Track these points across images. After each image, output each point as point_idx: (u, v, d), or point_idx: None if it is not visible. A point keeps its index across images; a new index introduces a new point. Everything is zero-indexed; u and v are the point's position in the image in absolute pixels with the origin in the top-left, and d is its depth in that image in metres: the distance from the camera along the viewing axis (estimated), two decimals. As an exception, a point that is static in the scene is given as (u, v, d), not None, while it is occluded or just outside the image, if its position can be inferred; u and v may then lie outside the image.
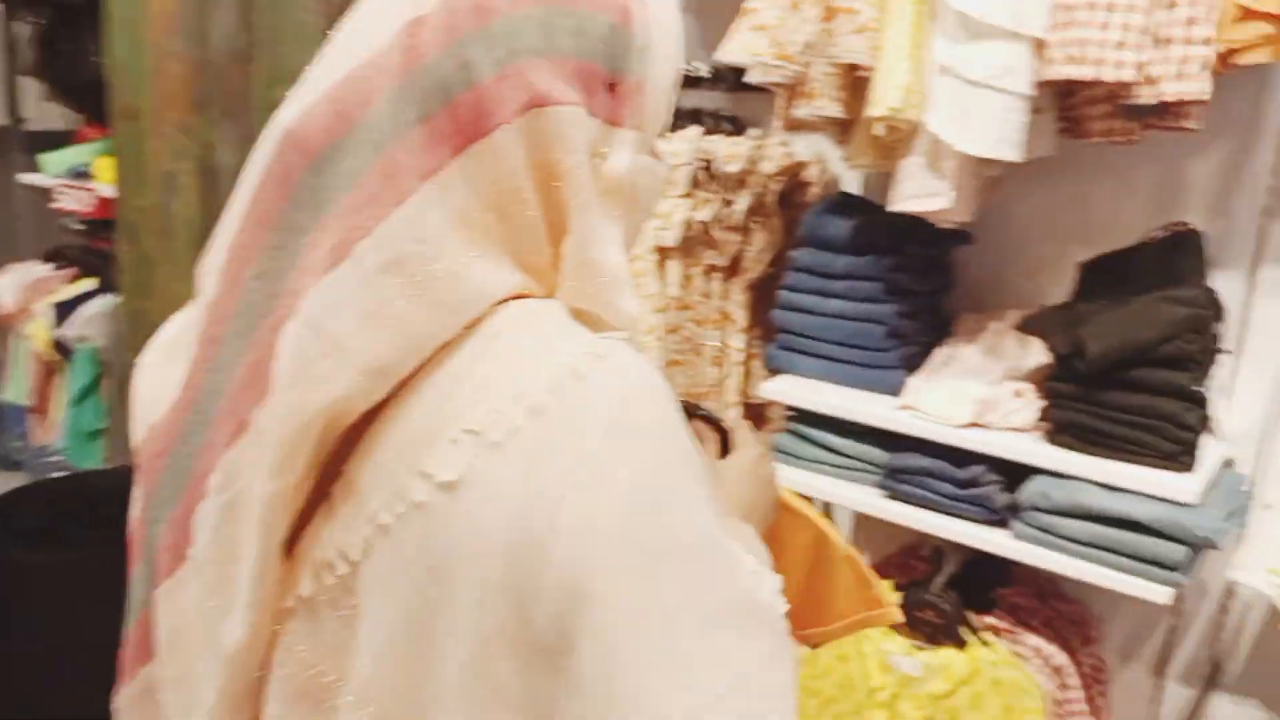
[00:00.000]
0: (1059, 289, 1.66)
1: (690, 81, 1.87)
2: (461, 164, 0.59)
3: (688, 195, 1.73)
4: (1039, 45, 1.27)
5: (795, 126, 1.55)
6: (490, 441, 0.56)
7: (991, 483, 1.47)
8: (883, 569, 1.78)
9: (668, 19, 0.67)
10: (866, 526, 1.98)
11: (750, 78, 1.55)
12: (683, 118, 1.86)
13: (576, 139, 0.61)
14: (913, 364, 1.63)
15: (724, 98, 1.91)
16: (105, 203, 3.04)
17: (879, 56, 1.36)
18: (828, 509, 2.03)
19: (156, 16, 2.37)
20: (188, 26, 2.28)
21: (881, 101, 1.33)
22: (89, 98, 3.28)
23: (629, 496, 0.55)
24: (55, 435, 3.21)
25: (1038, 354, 1.53)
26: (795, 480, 1.67)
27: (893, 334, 1.61)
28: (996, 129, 1.28)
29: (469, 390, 0.58)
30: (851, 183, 1.87)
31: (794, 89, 1.52)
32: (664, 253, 1.76)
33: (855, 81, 1.48)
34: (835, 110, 1.45)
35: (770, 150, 1.78)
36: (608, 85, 0.63)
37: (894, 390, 1.60)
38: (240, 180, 0.66)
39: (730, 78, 1.87)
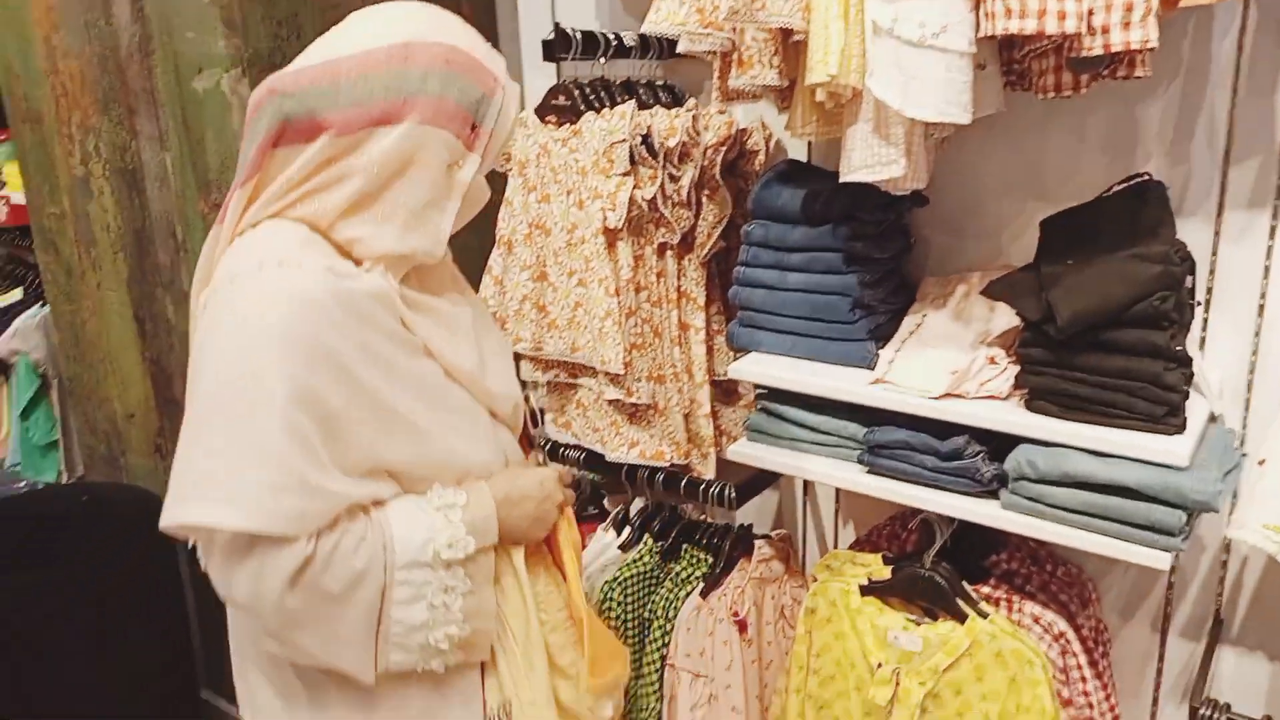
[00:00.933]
0: (1020, 246, 1.58)
1: (620, 51, 1.75)
2: (367, 131, 1.05)
3: (628, 174, 1.62)
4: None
5: (733, 96, 1.45)
6: (213, 289, 1.06)
7: (975, 453, 1.41)
8: (871, 542, 1.74)
9: (513, 96, 1.14)
10: (849, 499, 1.94)
11: (681, 48, 1.44)
12: (615, 90, 1.74)
13: (444, 151, 1.09)
14: (881, 334, 1.56)
15: (656, 66, 1.80)
16: (18, 210, 2.87)
17: (811, 19, 1.25)
18: (808, 486, 1.99)
19: (41, 12, 2.19)
20: (76, 21, 2.10)
21: (819, 68, 1.23)
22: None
23: (229, 352, 1.02)
24: (5, 450, 3.10)
25: (1007, 316, 1.46)
26: (773, 459, 1.62)
27: (857, 305, 1.53)
28: (941, 91, 1.18)
29: (228, 258, 1.08)
30: (797, 147, 1.77)
31: (728, 57, 1.41)
32: (611, 235, 1.66)
33: (791, 46, 1.37)
34: (772, 78, 1.34)
35: (711, 119, 1.67)
36: (471, 126, 1.10)
37: (865, 363, 1.53)
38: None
39: (661, 46, 1.76)
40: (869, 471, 1.53)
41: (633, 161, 1.62)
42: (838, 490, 1.94)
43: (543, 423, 1.94)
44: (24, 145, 2.41)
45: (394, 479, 1.12)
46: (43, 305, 2.84)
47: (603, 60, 1.74)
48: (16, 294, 2.98)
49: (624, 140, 1.59)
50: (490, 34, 2.20)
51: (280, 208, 1.07)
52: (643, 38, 1.79)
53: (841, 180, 1.33)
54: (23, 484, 3.46)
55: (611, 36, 1.76)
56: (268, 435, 0.99)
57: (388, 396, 1.07)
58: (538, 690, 1.21)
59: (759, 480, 1.89)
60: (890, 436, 1.48)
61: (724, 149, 1.69)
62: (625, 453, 1.76)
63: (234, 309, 1.02)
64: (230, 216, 1.09)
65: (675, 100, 1.81)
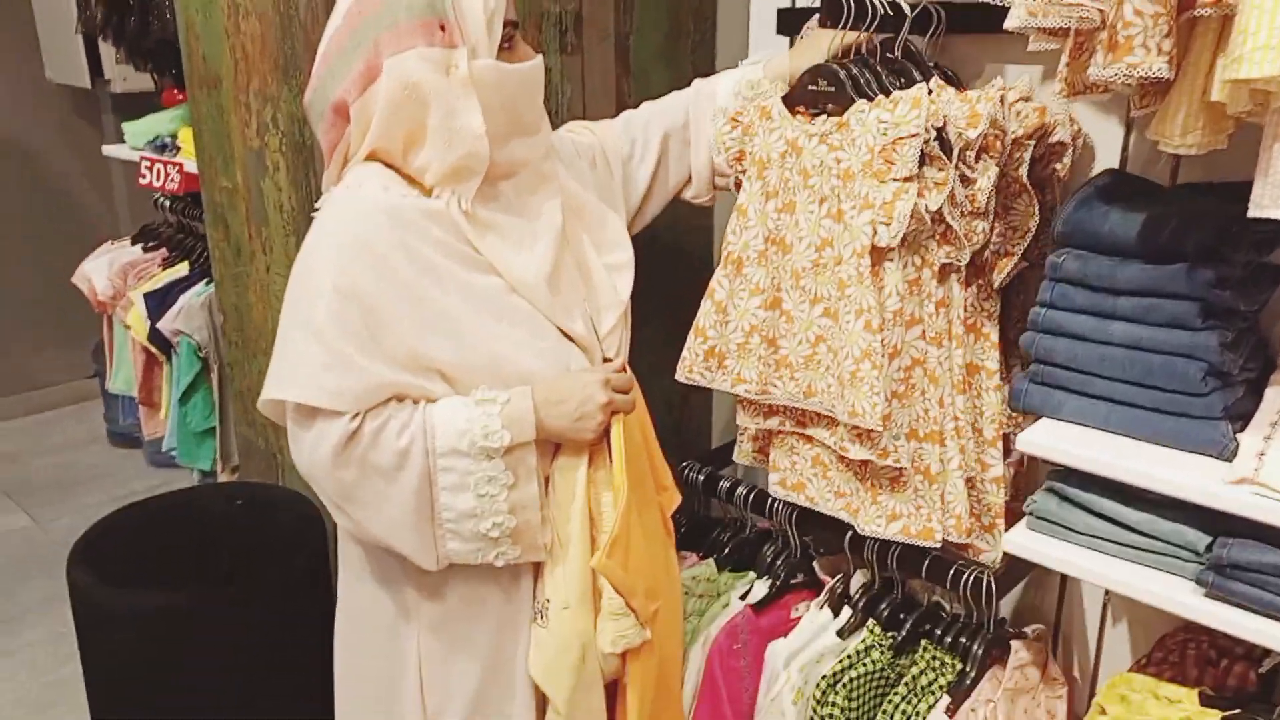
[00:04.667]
0: None
1: (885, 22, 1.42)
2: (373, 86, 1.21)
3: (910, 179, 1.29)
4: None
5: (1084, 90, 1.09)
6: (326, 201, 1.27)
7: (1383, 596, 1.03)
8: (1165, 661, 1.36)
9: None
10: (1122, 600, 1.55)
11: (1014, 23, 1.09)
12: (884, 73, 1.41)
13: (424, 64, 1.18)
14: (1237, 412, 1.19)
15: (929, 45, 1.45)
16: (191, 178, 2.75)
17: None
18: (1107, 596, 1.61)
19: (228, -35, 2.00)
20: (264, -23, 1.91)
21: (1259, 57, 0.86)
22: (164, 60, 2.98)
23: (302, 257, 1.24)
24: (165, 430, 3.01)
25: None
26: (1069, 560, 1.26)
27: (1213, 373, 1.16)
28: None
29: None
30: (1106, 150, 1.40)
31: (1084, 38, 1.06)
32: (879, 254, 1.33)
33: (1184, 26, 1.01)
34: (1162, 68, 0.98)
35: (1011, 106, 1.31)
36: (440, 27, 1.18)
37: (1218, 450, 1.16)
38: None
39: (940, 17, 1.42)
40: (1210, 595, 1.16)
41: (921, 162, 1.28)
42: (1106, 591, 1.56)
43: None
44: (199, 112, 2.25)
45: (445, 381, 1.23)
46: (208, 283, 2.70)
47: (842, 33, 1.41)
48: (183, 268, 2.86)
49: (915, 134, 1.26)
50: (710, 8, 1.89)
51: (363, 156, 1.25)
52: (924, 8, 1.44)
53: (1253, 214, 0.96)
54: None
55: (880, 4, 1.42)
56: (317, 318, 1.17)
57: (432, 296, 1.20)
58: (572, 593, 1.27)
59: (1018, 568, 1.54)
60: (1254, 556, 1.10)
61: (1032, 144, 1.33)
62: (883, 527, 1.43)
63: (314, 227, 1.24)
64: (329, 176, 1.32)
65: (954, 85, 1.47)
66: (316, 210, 1.27)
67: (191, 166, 2.67)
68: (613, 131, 1.54)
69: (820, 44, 1.45)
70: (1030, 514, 1.31)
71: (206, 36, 2.13)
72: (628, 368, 1.35)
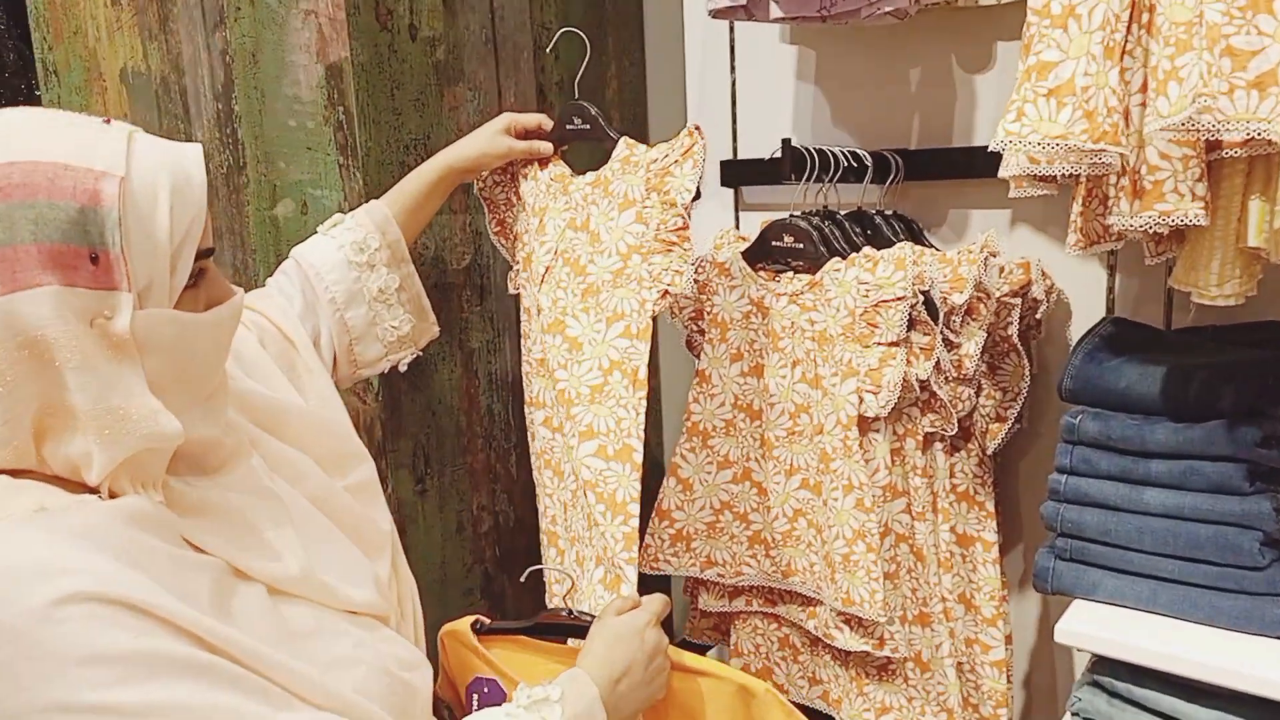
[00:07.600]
0: None
1: (847, 172, 1.32)
2: None
3: (897, 344, 1.15)
4: None
5: (1099, 240, 0.97)
6: None
7: None
8: None
9: (149, 191, 0.73)
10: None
11: (1010, 170, 0.98)
12: (848, 225, 1.29)
13: (54, 315, 0.70)
14: (1302, 584, 1.04)
15: (884, 192, 1.36)
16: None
17: (1297, 125, 0.78)
18: None
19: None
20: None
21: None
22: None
23: None
24: None
25: None
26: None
27: (1270, 543, 1.02)
28: None
29: None
30: (1082, 298, 1.31)
31: (1095, 187, 0.95)
32: (864, 424, 1.18)
33: (1213, 167, 0.90)
34: (1199, 215, 0.87)
35: (984, 264, 1.20)
36: (91, 258, 0.71)
37: (1282, 630, 1.01)
38: None
39: (897, 165, 1.34)
40: (1304, 806, 0.99)
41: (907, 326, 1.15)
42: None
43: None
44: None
45: None
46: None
47: (804, 186, 1.30)
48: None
49: (902, 297, 1.12)
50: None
51: None
52: (880, 156, 1.35)
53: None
54: None
55: (841, 155, 1.32)
56: None
57: (234, 646, 0.72)
58: None
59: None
60: (1356, 760, 0.94)
61: (1019, 302, 1.22)
62: (871, 720, 1.24)
63: None
64: None
65: (912, 236, 1.37)
66: None
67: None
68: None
69: None
70: (1075, 714, 1.13)
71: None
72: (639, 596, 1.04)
